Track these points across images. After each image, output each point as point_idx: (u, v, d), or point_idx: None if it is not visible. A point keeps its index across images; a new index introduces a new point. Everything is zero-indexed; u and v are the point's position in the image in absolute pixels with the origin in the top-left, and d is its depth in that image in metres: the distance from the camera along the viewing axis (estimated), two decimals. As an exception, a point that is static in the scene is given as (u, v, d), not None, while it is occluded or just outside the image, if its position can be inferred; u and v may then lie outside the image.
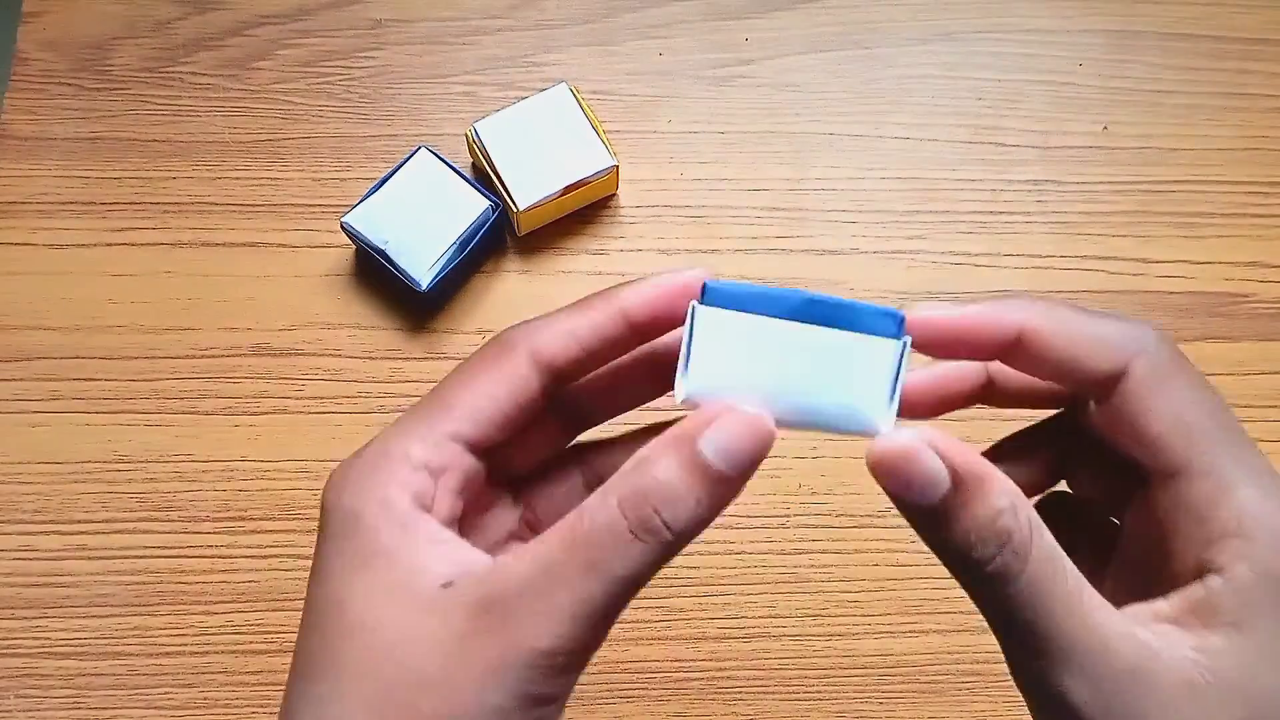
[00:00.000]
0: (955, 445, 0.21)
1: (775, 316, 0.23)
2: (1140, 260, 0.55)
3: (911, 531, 0.24)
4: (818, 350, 0.22)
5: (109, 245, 0.53)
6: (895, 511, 0.22)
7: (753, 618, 0.48)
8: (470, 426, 0.24)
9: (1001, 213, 0.55)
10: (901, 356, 0.23)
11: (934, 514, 0.21)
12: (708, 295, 0.23)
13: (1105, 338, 0.23)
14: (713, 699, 0.47)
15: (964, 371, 0.27)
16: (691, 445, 0.21)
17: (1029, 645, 0.21)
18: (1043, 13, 0.59)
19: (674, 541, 0.21)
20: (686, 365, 0.23)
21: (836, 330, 0.22)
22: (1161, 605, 0.22)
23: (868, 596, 0.49)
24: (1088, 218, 0.55)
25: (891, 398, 0.23)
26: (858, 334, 0.22)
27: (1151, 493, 0.23)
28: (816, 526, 0.50)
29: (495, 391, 0.24)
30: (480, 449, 0.24)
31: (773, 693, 0.48)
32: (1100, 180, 0.56)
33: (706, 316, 0.23)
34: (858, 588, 0.49)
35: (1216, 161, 0.57)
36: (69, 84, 0.55)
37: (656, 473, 0.21)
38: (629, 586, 0.21)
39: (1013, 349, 0.23)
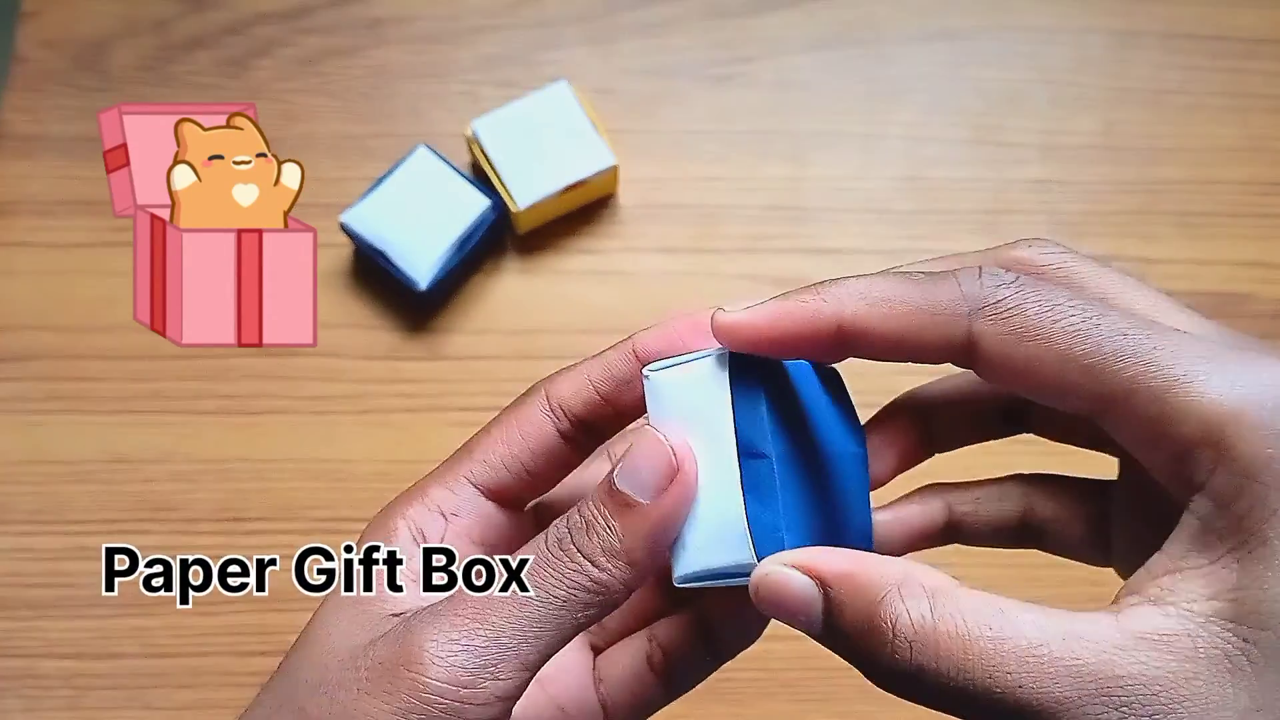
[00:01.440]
0: (818, 553, 0.20)
1: (744, 422, 0.21)
2: (1142, 260, 0.55)
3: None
4: (722, 477, 0.21)
5: (107, 245, 0.52)
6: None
7: (753, 618, 0.48)
8: (484, 469, 0.24)
9: (1003, 211, 0.55)
10: (739, 574, 0.21)
11: (832, 632, 0.20)
12: (740, 361, 0.21)
13: (936, 307, 0.20)
14: (715, 700, 0.47)
15: (926, 512, 0.25)
16: (609, 477, 0.21)
17: (973, 704, 0.18)
18: (1044, 11, 0.59)
19: (594, 574, 0.21)
20: (674, 358, 0.23)
21: (741, 491, 0.21)
22: (1159, 560, 0.19)
23: (868, 597, 0.49)
24: (1089, 217, 0.55)
25: (698, 580, 0.22)
26: (743, 517, 0.21)
27: (1103, 426, 0.20)
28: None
29: (510, 436, 0.24)
30: (501, 496, 0.24)
31: (775, 694, 0.47)
32: (1102, 179, 0.56)
33: (717, 355, 0.22)
34: (858, 588, 0.49)
35: (1218, 161, 0.56)
36: (68, 83, 0.55)
37: (580, 505, 0.21)
38: (533, 622, 0.20)
39: (840, 344, 0.21)
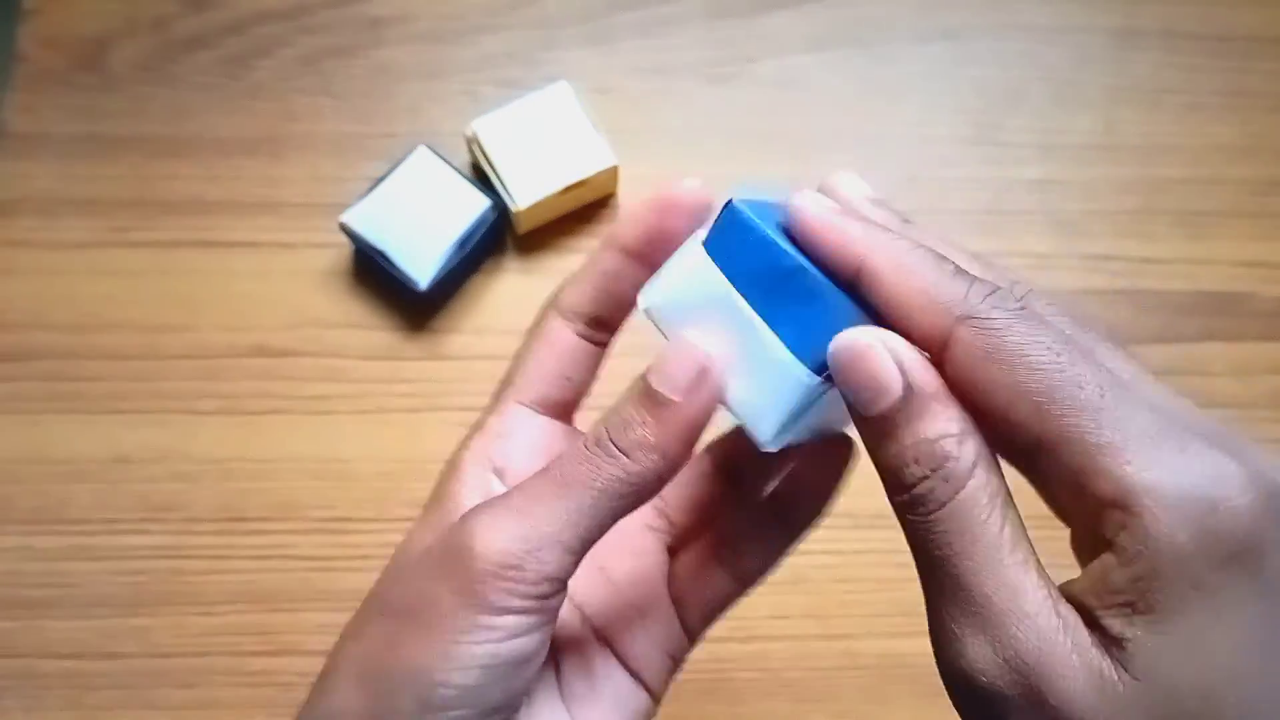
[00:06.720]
0: (917, 359, 0.20)
1: (743, 282, 0.22)
2: (1142, 259, 0.55)
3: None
4: (751, 336, 0.23)
5: (108, 244, 0.52)
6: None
7: (754, 619, 0.48)
8: (526, 387, 0.27)
9: (1003, 211, 0.55)
10: (810, 399, 0.22)
11: (879, 423, 0.21)
12: (712, 239, 0.23)
13: (938, 295, 0.20)
14: (714, 700, 0.47)
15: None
16: (643, 379, 0.23)
17: (942, 585, 0.20)
18: (1044, 10, 0.59)
19: (629, 466, 0.23)
20: (655, 278, 0.24)
21: (771, 331, 0.22)
22: (1077, 582, 0.20)
23: (869, 597, 0.49)
24: (1089, 216, 0.55)
25: (782, 428, 0.23)
26: (783, 347, 0.22)
27: (1036, 464, 0.21)
28: (817, 527, 0.49)
29: (539, 353, 0.27)
30: (550, 408, 0.27)
31: (774, 694, 0.47)
32: (1102, 178, 0.56)
33: (691, 250, 0.24)
34: (859, 588, 0.49)
35: (1218, 160, 0.56)
36: (68, 82, 0.55)
37: (616, 408, 0.24)
38: (572, 511, 0.23)
39: (852, 281, 0.22)
